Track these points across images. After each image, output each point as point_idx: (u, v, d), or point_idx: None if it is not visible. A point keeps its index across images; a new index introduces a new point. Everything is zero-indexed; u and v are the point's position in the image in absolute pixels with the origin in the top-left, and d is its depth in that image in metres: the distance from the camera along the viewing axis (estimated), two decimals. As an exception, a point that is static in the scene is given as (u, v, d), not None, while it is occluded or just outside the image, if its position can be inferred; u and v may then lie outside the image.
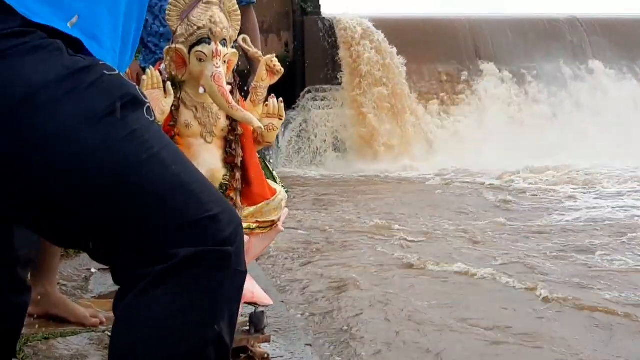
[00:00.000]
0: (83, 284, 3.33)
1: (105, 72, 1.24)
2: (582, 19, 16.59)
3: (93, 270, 3.49)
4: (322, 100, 14.61)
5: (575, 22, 16.37)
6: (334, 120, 14.29)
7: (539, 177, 10.47)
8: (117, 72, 1.28)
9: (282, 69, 2.62)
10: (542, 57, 15.51)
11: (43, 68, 1.16)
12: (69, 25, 1.21)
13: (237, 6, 2.45)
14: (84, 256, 3.60)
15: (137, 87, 1.32)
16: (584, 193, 8.99)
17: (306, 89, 14.81)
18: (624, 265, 5.21)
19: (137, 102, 1.27)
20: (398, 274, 4.84)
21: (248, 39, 2.62)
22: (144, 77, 2.31)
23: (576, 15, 16.88)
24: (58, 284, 3.05)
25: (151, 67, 2.37)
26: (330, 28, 15.16)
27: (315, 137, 14.03)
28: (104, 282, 3.32)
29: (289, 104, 14.73)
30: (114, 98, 1.22)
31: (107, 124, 1.20)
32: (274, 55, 2.64)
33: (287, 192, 2.66)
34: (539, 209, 7.83)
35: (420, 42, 15.20)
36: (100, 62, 1.26)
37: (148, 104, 1.30)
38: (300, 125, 14.07)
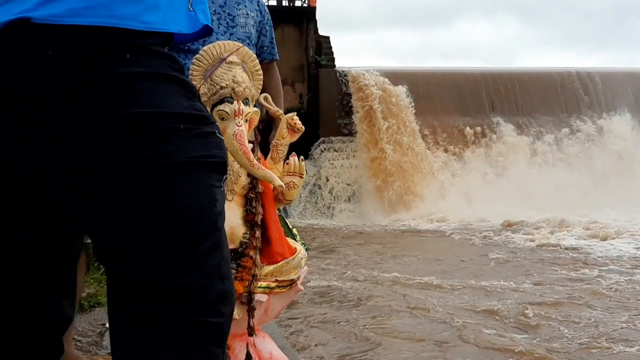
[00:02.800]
0: (98, 340, 3.29)
1: (216, 131, 1.36)
2: (598, 72, 16.70)
3: (107, 325, 3.45)
4: (336, 151, 14.70)
5: (585, 75, 16.46)
6: (347, 172, 14.34)
7: (557, 229, 10.41)
8: (222, 137, 1.40)
9: (303, 127, 2.63)
10: (556, 110, 15.56)
11: (179, 100, 1.28)
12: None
13: (259, 66, 2.47)
14: (99, 310, 3.57)
15: (228, 156, 1.43)
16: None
17: (320, 140, 14.92)
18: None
19: (222, 169, 1.37)
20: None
21: (269, 97, 2.64)
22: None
23: (586, 69, 16.99)
24: (73, 339, 3.02)
25: (174, 125, 2.39)
26: (344, 80, 15.34)
27: (329, 188, 14.05)
28: (118, 337, 3.27)
29: (303, 155, 14.75)
30: (212, 154, 1.33)
31: (199, 170, 1.30)
32: (295, 113, 2.66)
33: (307, 249, 2.64)
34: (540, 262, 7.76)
35: (433, 94, 15.32)
36: (216, 122, 1.39)
37: (227, 176, 1.43)
38: (314, 176, 14.13)
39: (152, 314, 1.27)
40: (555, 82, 16.24)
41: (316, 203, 14.05)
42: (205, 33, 1.40)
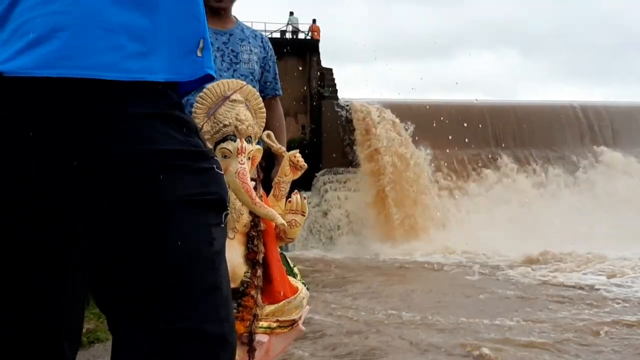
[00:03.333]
0: (96, 377, 3.24)
1: (215, 166, 1.34)
2: (604, 106, 16.69)
3: (107, 362, 3.40)
4: (338, 182, 14.69)
5: (590, 110, 16.47)
6: (350, 203, 14.29)
7: (559, 265, 10.33)
8: (222, 172, 1.38)
9: (306, 165, 2.63)
10: (560, 144, 15.56)
11: (174, 137, 1.26)
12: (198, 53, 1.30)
13: (262, 104, 2.48)
14: (98, 347, 3.54)
15: (228, 192, 1.41)
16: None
17: (322, 171, 14.92)
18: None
19: (221, 205, 1.34)
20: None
21: (272, 134, 2.64)
22: (169, 173, 2.31)
23: (592, 103, 17.01)
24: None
25: (177, 163, 2.38)
26: (346, 112, 15.40)
27: (331, 219, 14.00)
28: (117, 374, 3.22)
29: (305, 186, 14.82)
30: (209, 191, 1.30)
31: (194, 208, 1.27)
32: (297, 150, 2.65)
33: (308, 289, 2.61)
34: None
35: (435, 126, 15.33)
36: (215, 157, 1.37)
37: (227, 212, 1.38)
38: (316, 207, 14.10)
39: (153, 314, 1.25)
40: (560, 115, 16.27)
41: (318, 234, 14.00)
42: (205, 80, 1.38)
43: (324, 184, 14.78)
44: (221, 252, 1.34)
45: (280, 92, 3.64)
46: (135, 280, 1.25)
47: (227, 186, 2.35)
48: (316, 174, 14.82)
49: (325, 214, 14.28)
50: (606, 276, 9.41)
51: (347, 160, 15.13)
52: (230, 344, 1.33)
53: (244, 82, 2.44)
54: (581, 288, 8.63)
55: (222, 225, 1.35)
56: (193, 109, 2.40)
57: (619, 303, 7.60)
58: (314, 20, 21.17)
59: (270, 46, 3.60)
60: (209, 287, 1.29)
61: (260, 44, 3.52)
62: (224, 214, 1.35)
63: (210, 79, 1.38)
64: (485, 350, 5.28)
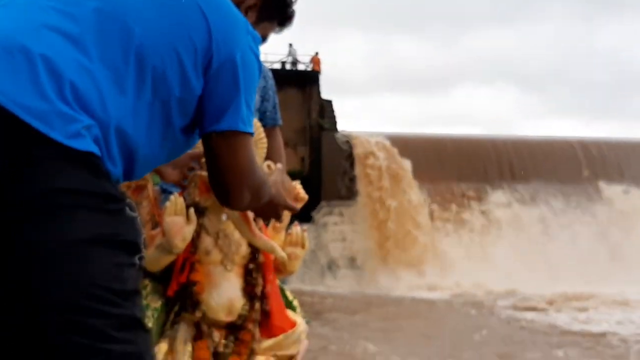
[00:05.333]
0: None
1: (127, 209, 1.33)
2: (605, 142, 16.70)
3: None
4: (337, 215, 14.63)
5: (591, 145, 16.48)
6: (349, 236, 14.23)
7: (554, 303, 10.24)
8: (136, 215, 1.37)
9: (306, 196, 2.58)
10: (561, 178, 15.55)
11: (78, 178, 1.25)
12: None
13: (263, 134, 2.45)
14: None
15: (143, 235, 1.39)
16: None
17: (321, 203, 14.88)
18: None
19: (133, 247, 1.33)
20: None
21: (272, 165, 2.61)
22: (167, 203, 2.27)
23: (594, 138, 17.02)
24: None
25: (176, 193, 2.35)
26: (346, 144, 15.41)
27: (331, 252, 13.92)
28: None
29: (303, 219, 14.74)
30: (118, 232, 1.30)
31: (102, 246, 1.26)
32: (298, 181, 2.62)
33: (308, 322, 2.56)
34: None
35: (436, 159, 15.35)
36: (128, 200, 1.35)
37: (142, 255, 1.37)
38: (315, 240, 14.01)
39: None
40: (561, 149, 16.29)
41: (316, 268, 13.90)
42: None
43: (324, 216, 14.73)
44: (137, 292, 1.34)
45: (280, 122, 3.62)
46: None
47: (226, 216, 2.31)
48: (316, 206, 14.77)
49: (324, 246, 14.20)
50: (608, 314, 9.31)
51: (347, 193, 15.10)
52: None
53: (245, 112, 2.41)
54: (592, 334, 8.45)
55: (137, 268, 1.34)
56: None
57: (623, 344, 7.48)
58: (317, 53, 21.33)
59: (271, 75, 3.59)
60: (128, 320, 1.27)
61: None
62: (137, 257, 1.34)
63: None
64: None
